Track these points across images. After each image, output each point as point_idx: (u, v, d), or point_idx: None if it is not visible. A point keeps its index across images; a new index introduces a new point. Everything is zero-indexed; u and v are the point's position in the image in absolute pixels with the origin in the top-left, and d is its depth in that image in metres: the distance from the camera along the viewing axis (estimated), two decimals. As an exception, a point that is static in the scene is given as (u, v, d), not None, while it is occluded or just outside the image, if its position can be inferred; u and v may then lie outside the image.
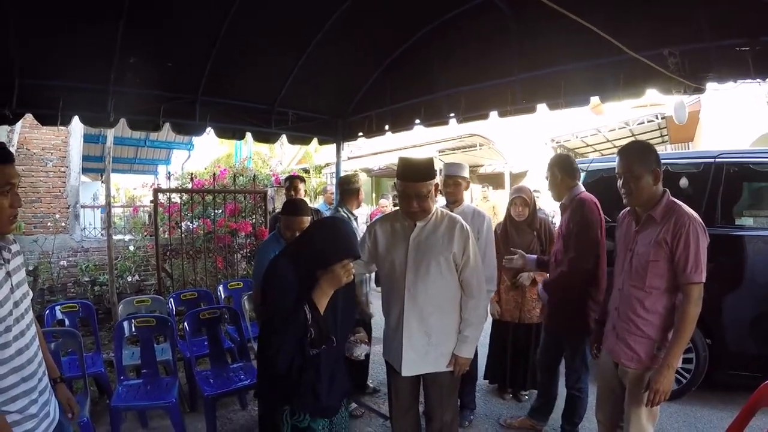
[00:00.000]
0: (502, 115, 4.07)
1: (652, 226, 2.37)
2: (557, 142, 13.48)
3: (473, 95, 4.26)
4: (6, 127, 7.11)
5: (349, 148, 16.31)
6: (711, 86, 2.97)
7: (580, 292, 3.26)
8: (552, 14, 2.70)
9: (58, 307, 4.35)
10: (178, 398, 3.42)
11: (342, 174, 5.39)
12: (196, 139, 14.08)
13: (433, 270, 2.58)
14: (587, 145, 14.21)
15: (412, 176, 2.57)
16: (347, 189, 4.22)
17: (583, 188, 3.37)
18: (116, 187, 19.66)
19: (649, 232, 2.38)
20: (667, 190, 2.40)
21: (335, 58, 4.64)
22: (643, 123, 11.67)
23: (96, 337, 4.39)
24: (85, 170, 14.25)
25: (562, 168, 3.36)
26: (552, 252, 3.60)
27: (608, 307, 2.67)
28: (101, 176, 15.81)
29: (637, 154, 2.42)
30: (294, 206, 3.29)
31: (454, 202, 3.75)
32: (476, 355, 2.97)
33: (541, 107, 3.77)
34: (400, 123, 5.03)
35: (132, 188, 14.74)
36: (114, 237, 8.58)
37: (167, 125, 4.63)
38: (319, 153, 16.71)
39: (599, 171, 5.01)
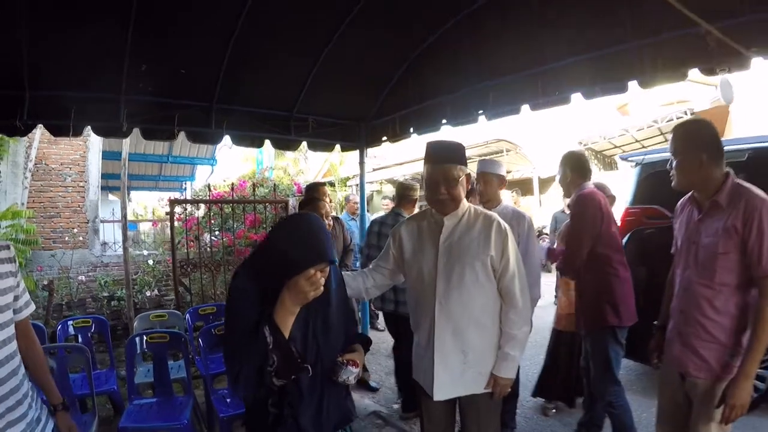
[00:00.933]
0: (534, 108, 3.77)
1: (718, 214, 2.06)
2: (584, 145, 13.18)
3: (501, 89, 3.97)
4: (24, 143, 7.12)
5: (375, 159, 16.18)
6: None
7: (592, 290, 3.10)
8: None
9: (70, 323, 4.21)
10: (191, 419, 3.21)
11: (366, 184, 5.34)
12: (220, 156, 14.10)
13: (468, 277, 2.24)
14: (615, 147, 13.88)
15: (440, 157, 2.27)
16: (406, 195, 4.31)
17: (590, 185, 3.26)
18: (143, 205, 19.97)
19: (714, 221, 2.07)
20: (731, 171, 2.10)
21: (354, 59, 4.42)
22: (672, 120, 11.27)
23: (110, 353, 4.24)
24: (111, 188, 14.40)
25: (574, 167, 3.30)
26: None
27: (670, 309, 2.34)
28: (128, 193, 15.94)
29: (686, 133, 2.18)
30: (309, 188, 2.99)
31: (487, 201, 3.50)
32: (518, 369, 2.62)
33: (576, 97, 3.49)
34: (426, 124, 4.74)
35: (160, 206, 14.89)
36: (135, 252, 8.57)
37: (182, 136, 4.50)
38: (344, 165, 16.57)
39: (653, 164, 4.64)
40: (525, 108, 3.84)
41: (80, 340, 4.14)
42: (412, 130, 4.92)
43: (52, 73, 3.65)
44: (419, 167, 11.82)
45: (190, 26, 3.69)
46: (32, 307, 1.87)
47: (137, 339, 3.55)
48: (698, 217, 2.17)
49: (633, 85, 3.13)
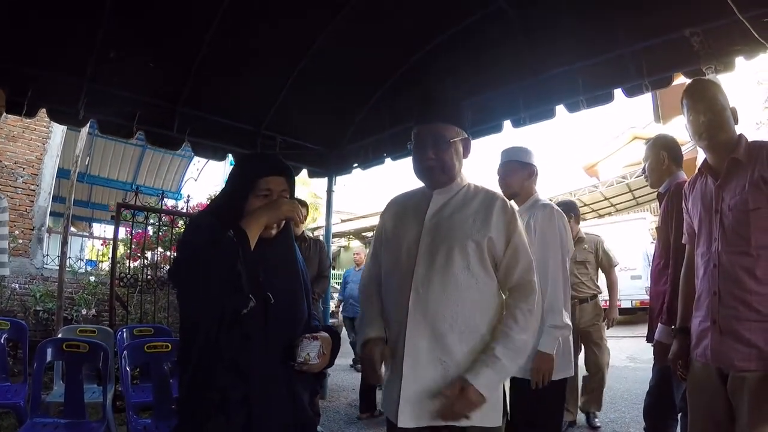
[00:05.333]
0: (516, 124, 3.70)
1: (740, 171, 1.85)
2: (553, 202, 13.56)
3: (480, 106, 3.81)
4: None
5: (342, 214, 15.99)
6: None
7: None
8: (558, 7, 2.61)
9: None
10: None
11: (333, 238, 5.17)
12: (186, 190, 13.62)
13: (457, 262, 1.69)
14: (584, 204, 14.18)
15: (429, 114, 1.82)
16: None
17: (683, 175, 2.74)
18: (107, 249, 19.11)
19: (737, 179, 1.86)
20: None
21: (329, 80, 4.23)
22: (641, 176, 11.64)
23: (25, 363, 3.78)
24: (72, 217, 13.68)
25: (672, 151, 2.79)
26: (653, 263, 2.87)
27: (697, 298, 1.98)
28: (89, 225, 15.23)
29: (714, 91, 1.98)
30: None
31: (511, 195, 2.68)
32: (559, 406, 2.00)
33: (560, 109, 3.48)
34: (402, 149, 4.52)
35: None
36: (80, 270, 8.07)
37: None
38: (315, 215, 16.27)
39: None
40: (507, 123, 3.78)
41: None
42: (385, 155, 4.74)
43: (16, 46, 3.37)
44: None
45: (167, 16, 3.44)
46: None
47: (49, 347, 3.06)
48: (716, 184, 1.93)
49: (618, 93, 3.14)
